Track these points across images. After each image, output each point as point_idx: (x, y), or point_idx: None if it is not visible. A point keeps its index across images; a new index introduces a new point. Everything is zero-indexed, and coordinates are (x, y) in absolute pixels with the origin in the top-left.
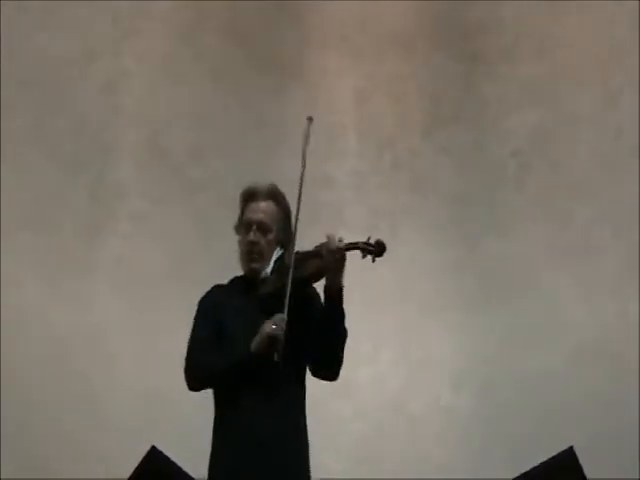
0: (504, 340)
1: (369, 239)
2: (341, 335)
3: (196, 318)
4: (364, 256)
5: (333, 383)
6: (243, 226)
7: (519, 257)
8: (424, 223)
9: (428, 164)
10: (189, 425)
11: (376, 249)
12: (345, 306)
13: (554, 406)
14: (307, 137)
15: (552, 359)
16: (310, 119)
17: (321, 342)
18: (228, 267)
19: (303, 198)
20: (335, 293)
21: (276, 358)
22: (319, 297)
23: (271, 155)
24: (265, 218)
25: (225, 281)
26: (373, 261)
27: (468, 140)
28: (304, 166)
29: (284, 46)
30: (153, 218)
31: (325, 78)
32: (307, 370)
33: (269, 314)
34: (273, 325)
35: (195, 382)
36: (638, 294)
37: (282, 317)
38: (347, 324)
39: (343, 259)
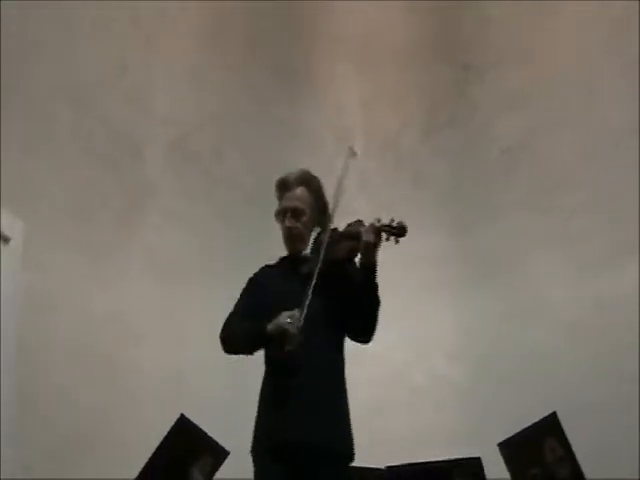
0: (495, 318)
1: (392, 221)
2: (376, 303)
3: (241, 292)
4: (388, 237)
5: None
6: (280, 214)
7: (508, 243)
8: (423, 215)
9: (426, 162)
10: (212, 400)
11: (397, 232)
12: None
13: (542, 377)
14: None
15: (539, 334)
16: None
17: (360, 310)
18: (246, 256)
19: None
20: (370, 268)
21: (286, 349)
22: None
23: (286, 154)
24: (297, 204)
25: (242, 270)
26: (397, 242)
27: (461, 140)
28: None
29: (298, 57)
30: (180, 211)
31: (334, 85)
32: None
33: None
34: (288, 319)
35: (224, 346)
36: (616, 276)
37: (297, 314)
38: None
39: (377, 243)
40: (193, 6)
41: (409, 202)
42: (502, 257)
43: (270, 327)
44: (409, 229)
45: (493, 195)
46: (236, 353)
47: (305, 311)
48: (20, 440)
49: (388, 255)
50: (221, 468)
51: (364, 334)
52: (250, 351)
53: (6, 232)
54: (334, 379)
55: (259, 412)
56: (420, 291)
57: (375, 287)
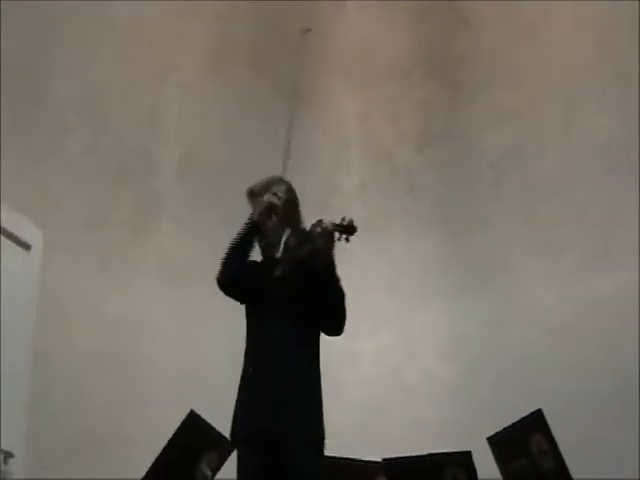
0: (486, 320)
1: (342, 219)
2: (340, 297)
3: None
4: (340, 236)
5: (341, 354)
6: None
7: (497, 250)
8: (417, 222)
9: (420, 173)
10: (220, 397)
11: (346, 230)
12: (351, 291)
13: (530, 375)
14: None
15: (527, 335)
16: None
17: (325, 306)
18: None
19: (315, 206)
20: (327, 266)
21: (277, 274)
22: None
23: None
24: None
25: None
26: (347, 241)
27: (453, 154)
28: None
29: (289, 71)
30: (189, 219)
31: (333, 102)
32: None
33: (284, 295)
34: (272, 194)
35: (221, 277)
36: (599, 280)
37: (281, 190)
38: (353, 306)
39: (331, 239)
40: (201, 32)
41: (404, 211)
42: (492, 262)
43: (256, 209)
44: (403, 235)
45: (483, 205)
46: (231, 280)
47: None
48: (34, 439)
49: (384, 262)
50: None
51: (334, 328)
52: (232, 282)
53: (27, 240)
54: (304, 372)
55: (235, 404)
56: (414, 295)
57: (336, 281)
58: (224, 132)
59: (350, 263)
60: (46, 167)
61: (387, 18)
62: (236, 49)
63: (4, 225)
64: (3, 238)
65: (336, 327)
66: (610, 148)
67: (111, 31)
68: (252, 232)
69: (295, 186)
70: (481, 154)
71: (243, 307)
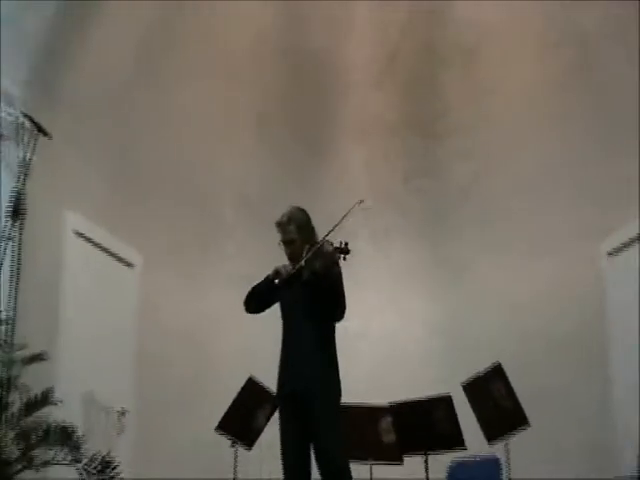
0: (457, 302)
1: (341, 243)
2: (336, 300)
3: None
4: (339, 256)
5: (355, 330)
6: (281, 242)
7: (464, 252)
8: (406, 235)
9: (407, 199)
10: (268, 366)
11: (343, 252)
12: (361, 284)
13: (491, 341)
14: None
15: (487, 313)
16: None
17: (325, 303)
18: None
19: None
20: (330, 276)
21: (276, 283)
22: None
23: (312, 201)
24: (289, 236)
25: None
26: (344, 259)
27: (430, 183)
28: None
29: (320, 134)
30: (246, 244)
31: (341, 150)
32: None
33: (305, 293)
34: (281, 267)
35: (244, 306)
36: (537, 270)
37: (289, 267)
38: (363, 296)
39: (333, 259)
40: (247, 105)
41: (397, 227)
42: (461, 262)
43: (271, 272)
44: (397, 244)
45: (453, 220)
46: (251, 307)
47: (294, 270)
48: (142, 399)
49: (384, 264)
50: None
51: (331, 317)
52: (258, 302)
53: (131, 261)
54: (322, 348)
55: (278, 373)
56: (407, 287)
57: (336, 287)
58: (267, 177)
59: (360, 265)
60: (141, 208)
61: (382, 92)
62: (273, 117)
63: (115, 250)
64: (114, 260)
65: (333, 317)
66: (544, 176)
67: (184, 109)
68: (267, 282)
69: (317, 210)
70: (450, 183)
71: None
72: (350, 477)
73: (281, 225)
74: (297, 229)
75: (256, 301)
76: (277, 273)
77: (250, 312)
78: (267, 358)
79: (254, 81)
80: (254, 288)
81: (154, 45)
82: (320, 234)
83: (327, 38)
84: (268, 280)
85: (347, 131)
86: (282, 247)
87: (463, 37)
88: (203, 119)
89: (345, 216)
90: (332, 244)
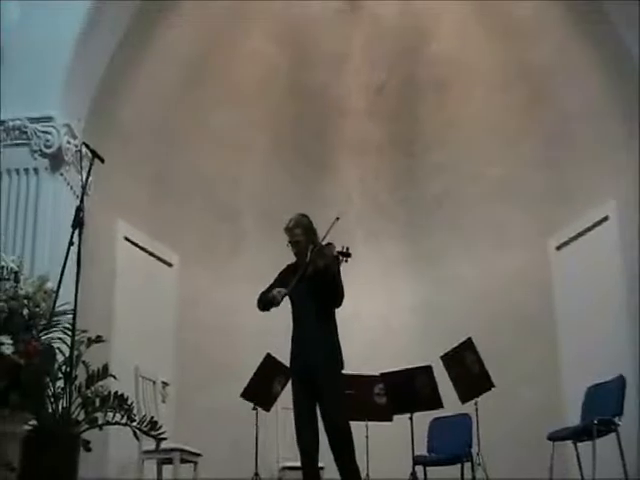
0: (433, 289)
1: (343, 248)
2: (336, 291)
3: (277, 274)
4: (341, 258)
5: (351, 312)
6: (289, 243)
7: (439, 249)
8: (392, 235)
9: (393, 207)
10: (282, 345)
11: (345, 255)
12: (358, 275)
13: (462, 321)
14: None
15: (458, 297)
16: (337, 219)
17: (329, 293)
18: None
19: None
20: (333, 273)
21: (274, 305)
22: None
23: (314, 210)
24: (296, 238)
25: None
26: (346, 262)
27: (411, 193)
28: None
29: (321, 153)
30: (264, 247)
31: (339, 167)
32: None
33: (310, 284)
34: (277, 292)
35: (258, 306)
36: (500, 261)
37: (284, 290)
38: (358, 283)
39: (338, 259)
40: (264, 124)
41: (385, 229)
42: (436, 256)
43: (269, 294)
44: (385, 244)
45: (429, 222)
46: (260, 308)
47: (288, 290)
48: (183, 373)
49: (375, 259)
50: None
51: (333, 303)
52: (264, 307)
53: (169, 260)
54: (325, 325)
55: (290, 350)
56: (394, 276)
57: (336, 281)
58: (279, 191)
59: (355, 260)
60: (179, 216)
61: (372, 118)
62: (284, 139)
63: (156, 252)
64: (156, 260)
65: (338, 303)
66: (504, 186)
67: (212, 132)
68: (269, 300)
69: (319, 216)
70: (427, 192)
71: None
72: (349, 433)
73: (289, 229)
74: (302, 231)
75: (262, 307)
76: (274, 298)
77: (260, 310)
78: (281, 339)
79: (269, 109)
80: (261, 297)
81: (189, 78)
82: (321, 235)
83: (326, 73)
84: (269, 299)
85: (344, 151)
86: (290, 247)
87: (437, 72)
88: (227, 141)
89: (329, 229)
90: (334, 247)
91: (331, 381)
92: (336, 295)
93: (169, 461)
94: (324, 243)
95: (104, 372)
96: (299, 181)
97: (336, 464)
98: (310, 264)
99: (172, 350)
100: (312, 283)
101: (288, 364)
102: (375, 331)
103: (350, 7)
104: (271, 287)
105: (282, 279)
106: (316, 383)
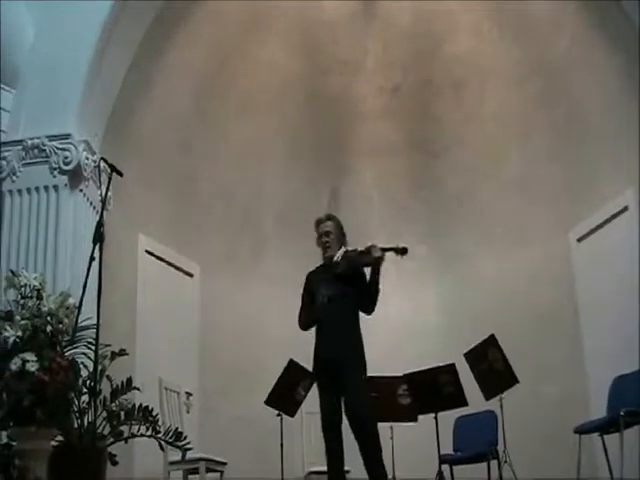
0: (455, 288)
1: (397, 245)
2: (377, 292)
3: (303, 290)
4: (397, 255)
5: (375, 313)
6: (319, 235)
7: (460, 247)
8: (415, 236)
9: (413, 208)
10: (306, 350)
11: (402, 251)
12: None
13: (484, 318)
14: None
15: (479, 295)
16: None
17: (367, 296)
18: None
19: (354, 230)
20: (376, 274)
21: (338, 271)
22: (365, 274)
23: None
24: (327, 229)
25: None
26: (401, 258)
27: (432, 194)
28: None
29: (335, 153)
30: (284, 251)
31: (356, 169)
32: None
33: (338, 283)
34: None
35: (300, 327)
36: (518, 258)
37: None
38: (385, 284)
39: (382, 258)
40: (283, 131)
41: (407, 230)
42: (458, 255)
43: (312, 314)
44: (407, 243)
45: (451, 222)
46: (304, 329)
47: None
48: (204, 383)
49: (398, 260)
50: None
51: (368, 310)
52: (307, 327)
53: (190, 271)
54: (351, 325)
55: (313, 353)
56: (417, 277)
57: (378, 284)
58: (297, 196)
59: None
60: (198, 227)
61: (389, 119)
62: (302, 144)
63: (177, 263)
64: (177, 271)
65: (370, 310)
66: (523, 182)
67: (230, 142)
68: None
69: (343, 219)
70: (448, 193)
71: None
72: (374, 425)
73: (321, 221)
74: (334, 225)
75: (306, 327)
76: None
77: (303, 330)
78: (304, 344)
79: (287, 116)
80: (304, 318)
81: (205, 90)
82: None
83: (342, 77)
84: (313, 319)
85: (361, 153)
86: (319, 243)
87: (453, 71)
88: (246, 149)
89: (387, 248)
90: (377, 248)
91: (356, 376)
92: (373, 303)
93: (195, 471)
94: (351, 248)
95: (128, 385)
96: (317, 184)
97: (364, 463)
98: (340, 264)
99: (195, 359)
100: (340, 283)
101: (311, 368)
102: (398, 332)
103: (364, 11)
104: (303, 304)
105: (310, 291)
106: (341, 378)
